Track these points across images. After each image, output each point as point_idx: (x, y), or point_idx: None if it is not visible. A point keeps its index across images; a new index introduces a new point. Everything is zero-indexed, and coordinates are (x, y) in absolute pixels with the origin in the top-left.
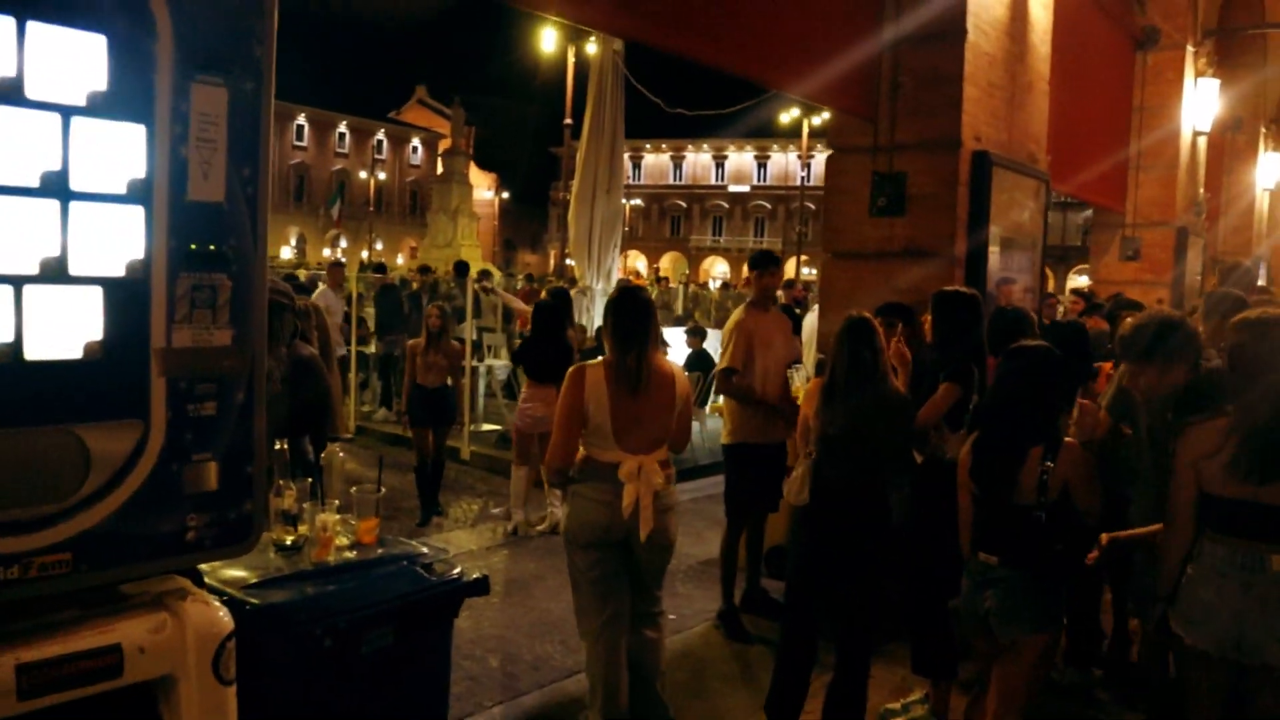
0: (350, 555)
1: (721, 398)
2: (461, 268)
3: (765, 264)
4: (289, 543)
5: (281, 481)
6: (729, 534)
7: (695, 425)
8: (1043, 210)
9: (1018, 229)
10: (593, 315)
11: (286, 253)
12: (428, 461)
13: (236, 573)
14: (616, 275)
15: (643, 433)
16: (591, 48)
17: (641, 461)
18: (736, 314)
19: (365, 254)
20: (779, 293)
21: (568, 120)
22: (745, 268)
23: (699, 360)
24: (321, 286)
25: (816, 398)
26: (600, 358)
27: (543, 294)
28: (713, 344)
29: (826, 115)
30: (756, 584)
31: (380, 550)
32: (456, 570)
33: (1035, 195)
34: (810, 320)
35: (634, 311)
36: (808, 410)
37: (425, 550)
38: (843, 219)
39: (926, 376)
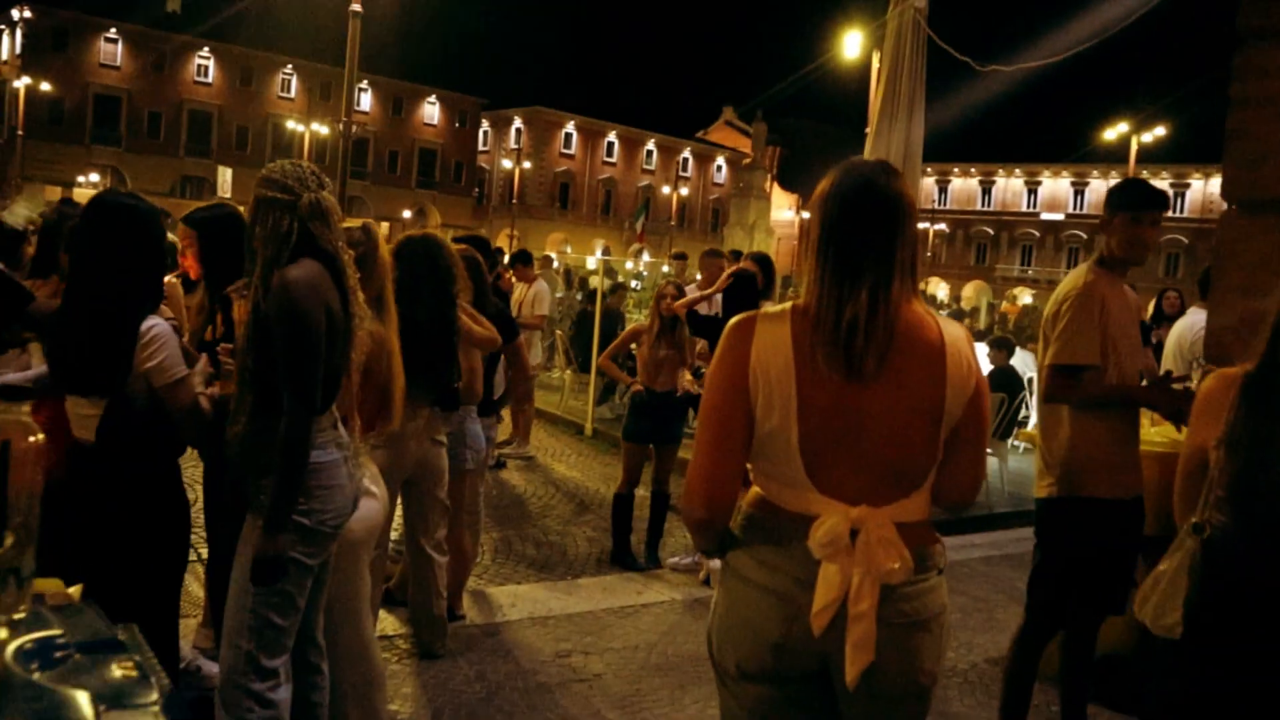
0: None
1: (1031, 423)
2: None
3: (1147, 203)
4: None
5: None
6: (1026, 639)
7: (992, 461)
8: None
9: None
10: None
11: (591, 262)
12: (633, 493)
13: None
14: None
15: (866, 460)
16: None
17: (861, 518)
18: (1078, 275)
19: (665, 269)
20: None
21: (869, 129)
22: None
23: (1004, 380)
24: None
25: (1232, 412)
26: (788, 303)
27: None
28: (1021, 362)
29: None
30: (1077, 711)
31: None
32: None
33: None
34: (1181, 326)
35: (873, 214)
36: (1204, 438)
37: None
38: (1266, 146)
39: None
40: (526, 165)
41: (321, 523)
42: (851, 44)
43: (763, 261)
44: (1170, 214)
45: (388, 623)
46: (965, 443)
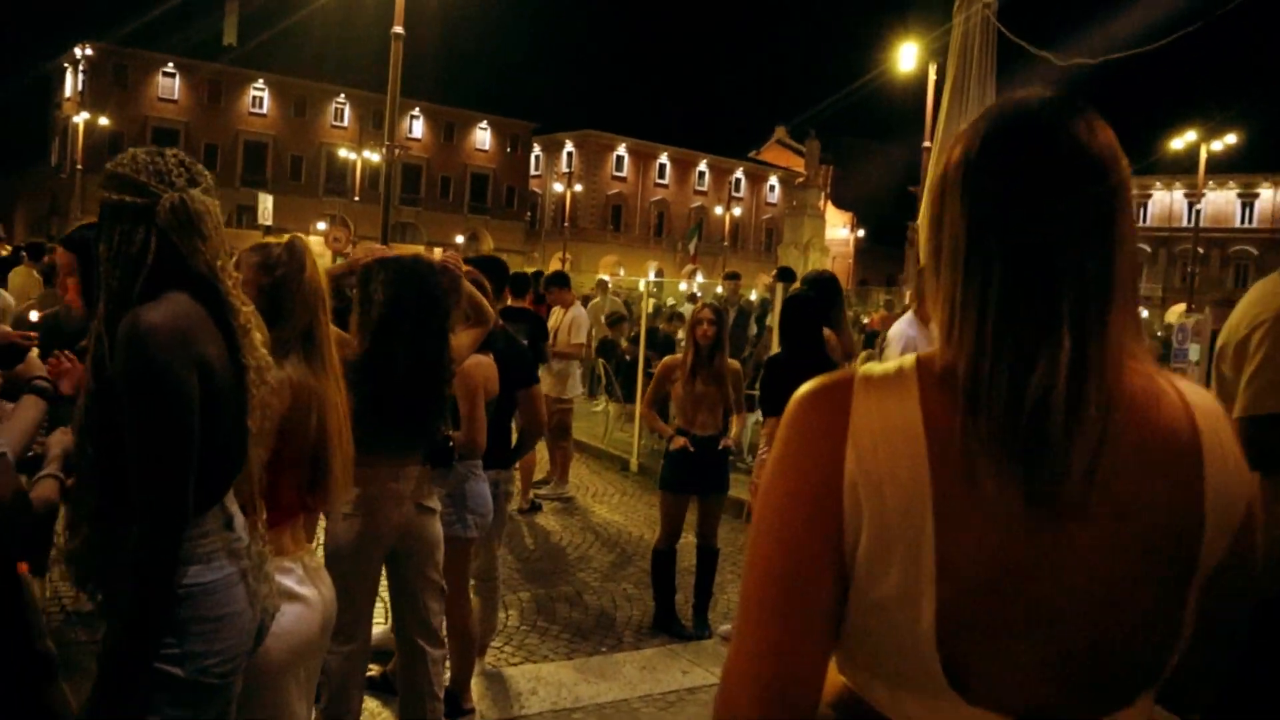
0: None
1: None
2: (786, 274)
3: None
4: None
5: None
6: None
7: None
8: None
9: None
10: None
11: (641, 285)
12: (674, 548)
13: None
14: None
15: (1057, 649)
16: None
17: None
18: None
19: (719, 289)
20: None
21: (926, 144)
22: None
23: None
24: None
25: None
26: (910, 356)
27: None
28: None
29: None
30: None
31: None
32: None
33: None
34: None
35: (1072, 193)
36: None
37: None
38: None
39: None
40: (578, 188)
41: (203, 671)
42: (907, 56)
43: (824, 284)
44: (1238, 224)
45: None
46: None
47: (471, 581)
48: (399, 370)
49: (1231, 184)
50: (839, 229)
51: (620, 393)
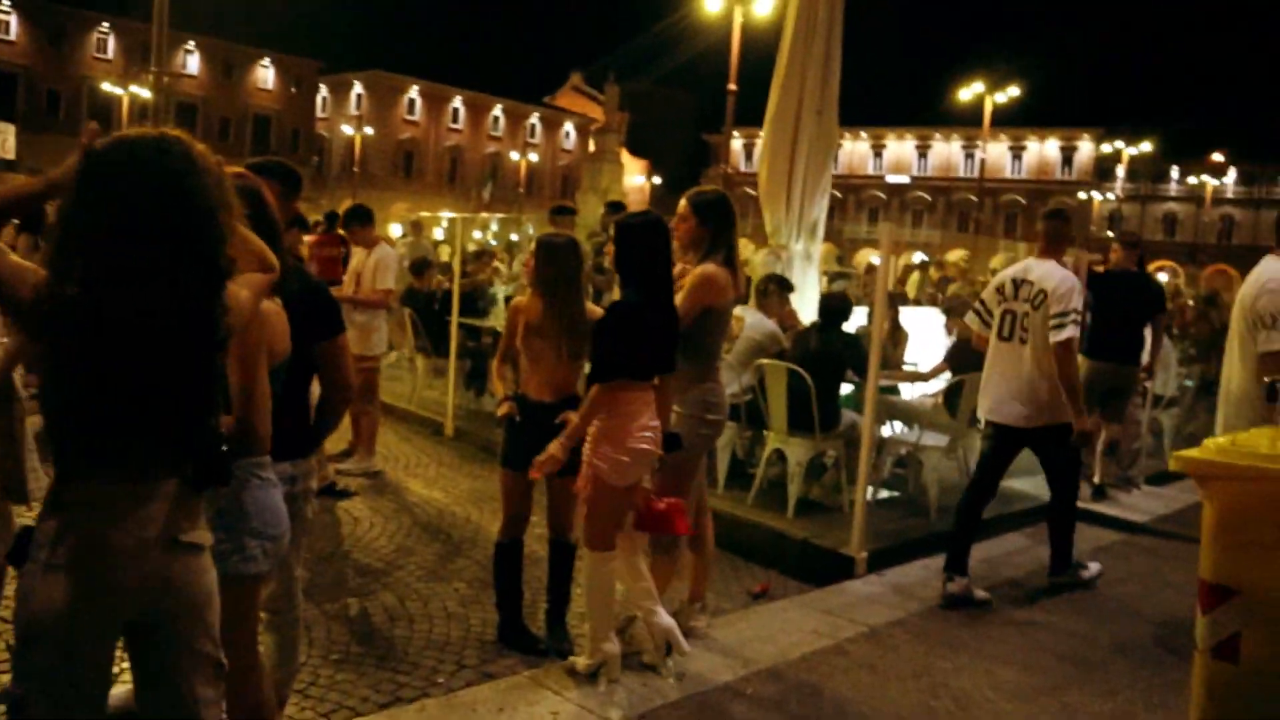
0: None
1: None
2: (616, 207)
3: None
4: None
5: None
6: None
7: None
8: None
9: None
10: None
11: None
12: (520, 539)
13: None
14: (821, 234)
15: None
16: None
17: None
18: None
19: (514, 236)
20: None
21: (732, 85)
22: None
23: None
24: None
25: None
26: None
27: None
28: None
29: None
30: None
31: None
32: None
33: None
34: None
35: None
36: None
37: None
38: None
39: None
40: (368, 132)
41: None
42: (713, 1)
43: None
44: (1009, 175)
45: None
46: None
47: (263, 615)
48: (109, 334)
49: (1003, 137)
50: (635, 176)
51: (429, 344)
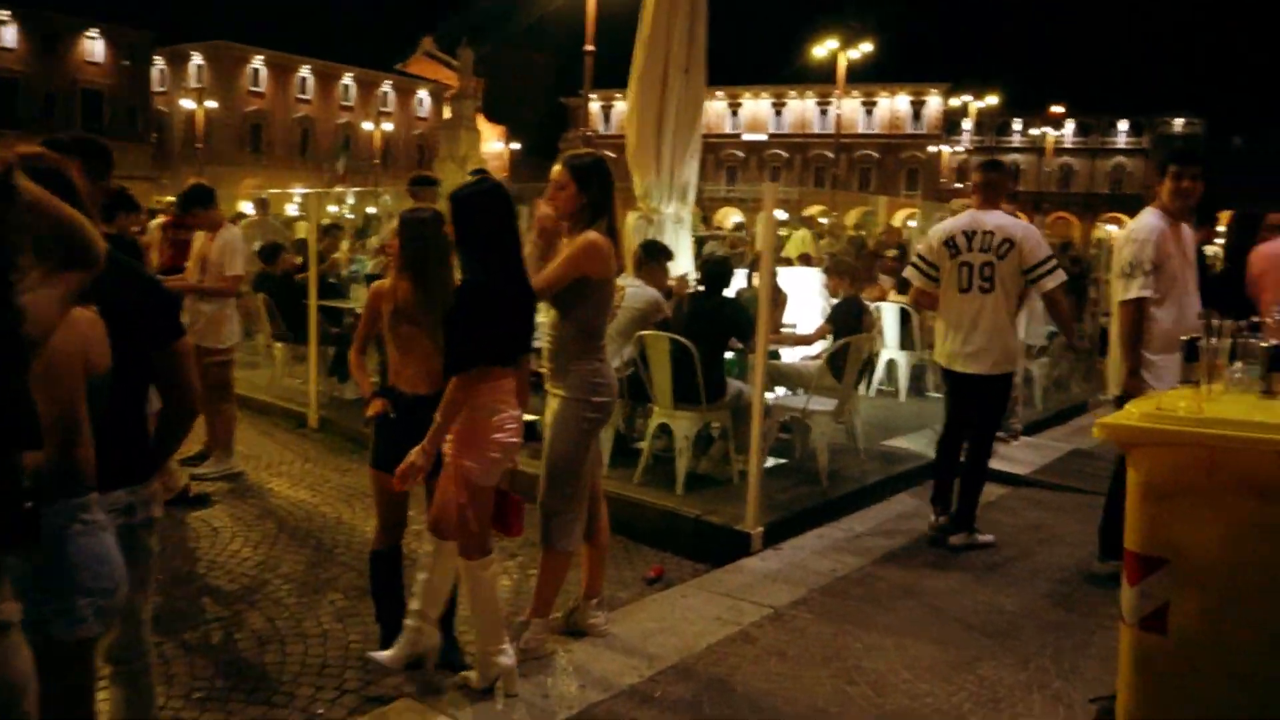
0: None
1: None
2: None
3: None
4: None
5: None
6: None
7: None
8: None
9: None
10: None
11: (292, 208)
12: (398, 545)
13: None
14: (693, 196)
15: None
16: None
17: None
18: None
19: (372, 210)
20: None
21: (589, 46)
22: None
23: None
24: None
25: None
26: None
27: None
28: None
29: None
30: None
31: None
32: None
33: None
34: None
35: None
36: None
37: None
38: None
39: None
40: (211, 105)
41: None
42: None
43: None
44: (861, 130)
45: None
46: None
47: (107, 668)
48: None
49: (856, 93)
50: (493, 142)
51: (287, 330)
